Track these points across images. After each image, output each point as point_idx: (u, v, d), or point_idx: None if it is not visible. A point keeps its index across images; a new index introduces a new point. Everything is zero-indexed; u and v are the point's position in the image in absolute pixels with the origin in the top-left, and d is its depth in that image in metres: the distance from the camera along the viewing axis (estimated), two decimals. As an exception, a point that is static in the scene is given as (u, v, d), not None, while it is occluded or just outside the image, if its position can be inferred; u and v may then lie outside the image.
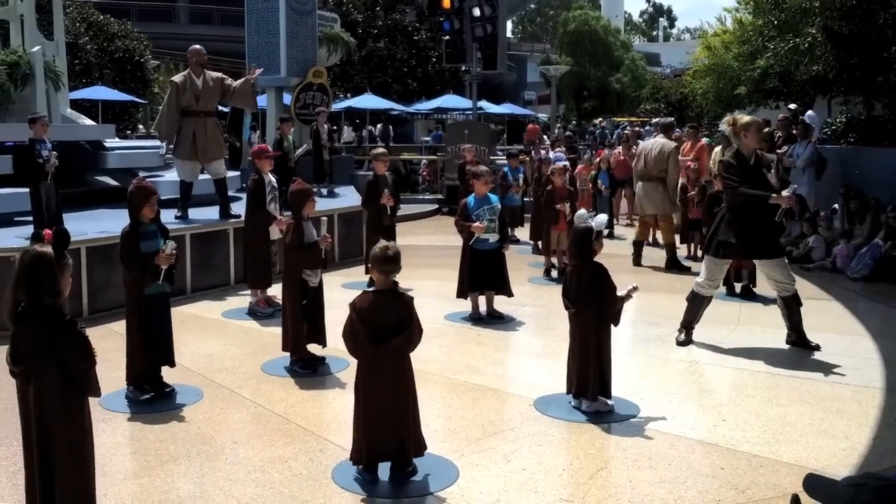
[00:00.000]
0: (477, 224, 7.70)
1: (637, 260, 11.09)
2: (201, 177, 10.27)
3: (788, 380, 6.15)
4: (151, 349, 5.66)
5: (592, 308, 5.38)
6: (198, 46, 10.00)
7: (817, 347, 6.87)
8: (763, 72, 16.84)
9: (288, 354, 6.42)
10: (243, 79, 10.45)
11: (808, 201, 12.14)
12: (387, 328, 4.33)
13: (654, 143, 11.26)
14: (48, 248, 3.51)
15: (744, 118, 7.06)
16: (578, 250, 5.53)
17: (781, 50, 15.17)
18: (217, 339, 7.43)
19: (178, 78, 9.85)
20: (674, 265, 10.83)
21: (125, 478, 4.48)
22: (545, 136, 21.08)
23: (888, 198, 11.13)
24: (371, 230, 9.19)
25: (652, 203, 11.10)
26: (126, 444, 5.03)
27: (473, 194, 7.95)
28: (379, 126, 28.79)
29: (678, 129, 18.02)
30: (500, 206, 8.01)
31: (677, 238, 11.61)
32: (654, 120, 22.07)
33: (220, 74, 10.16)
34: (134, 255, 5.54)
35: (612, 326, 5.47)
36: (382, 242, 4.54)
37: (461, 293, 7.98)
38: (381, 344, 4.30)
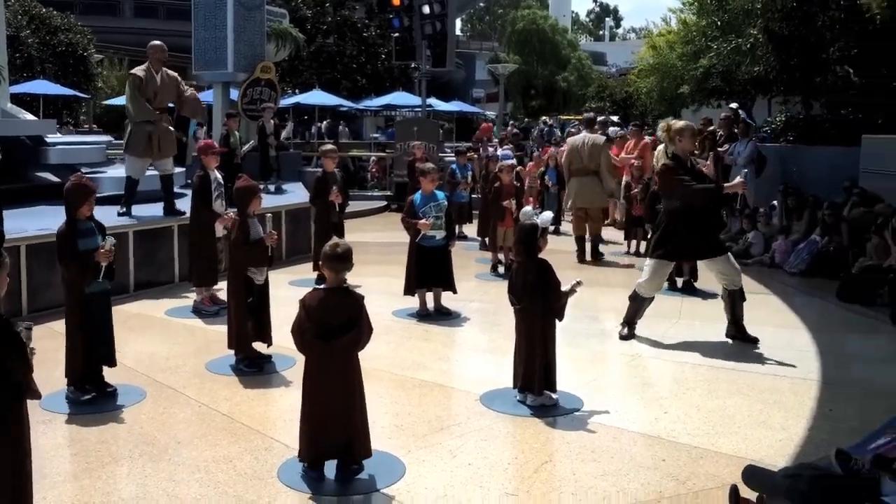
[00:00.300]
0: (423, 221, 7.71)
1: (581, 256, 11.24)
2: (147, 173, 10.12)
3: (728, 372, 6.30)
4: (92, 348, 5.56)
5: (537, 303, 5.44)
6: (160, 43, 9.80)
7: (756, 340, 7.04)
8: (706, 71, 17.12)
9: (233, 352, 6.37)
10: (192, 91, 10.35)
11: (748, 198, 12.42)
12: (336, 326, 4.31)
13: (585, 139, 11.50)
14: (-17, 247, 3.43)
15: (677, 123, 7.23)
16: (524, 247, 5.59)
17: (724, 50, 15.46)
18: (161, 337, 7.34)
19: (139, 71, 9.61)
20: (596, 255, 11.29)
21: (65, 480, 4.40)
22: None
23: (825, 195, 11.44)
24: (319, 227, 9.16)
25: (590, 197, 11.38)
26: (66, 445, 4.94)
27: (420, 191, 7.97)
28: (325, 122, 28.54)
29: (623, 128, 18.33)
30: (446, 202, 8.03)
31: (621, 234, 11.92)
32: (599, 118, 22.31)
33: (175, 74, 10.00)
34: (73, 253, 5.44)
35: (557, 321, 5.54)
36: (334, 240, 4.53)
37: (408, 290, 8.00)
38: (330, 341, 4.29)
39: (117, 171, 10.95)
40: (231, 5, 14.86)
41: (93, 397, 5.53)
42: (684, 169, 7.05)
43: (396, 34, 18.49)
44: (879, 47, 12.27)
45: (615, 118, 25.54)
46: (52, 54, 27.06)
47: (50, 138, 12.34)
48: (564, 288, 5.51)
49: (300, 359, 4.52)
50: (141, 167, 9.83)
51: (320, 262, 4.61)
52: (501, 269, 10.18)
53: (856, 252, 9.66)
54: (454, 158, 14.05)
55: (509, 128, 22.25)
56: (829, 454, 4.12)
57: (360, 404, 4.42)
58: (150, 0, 45.73)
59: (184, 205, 9.41)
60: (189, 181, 10.50)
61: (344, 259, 4.39)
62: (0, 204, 8.44)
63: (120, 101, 29.30)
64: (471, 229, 12.86)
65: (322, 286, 4.53)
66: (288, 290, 8.48)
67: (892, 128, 12.20)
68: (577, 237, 11.47)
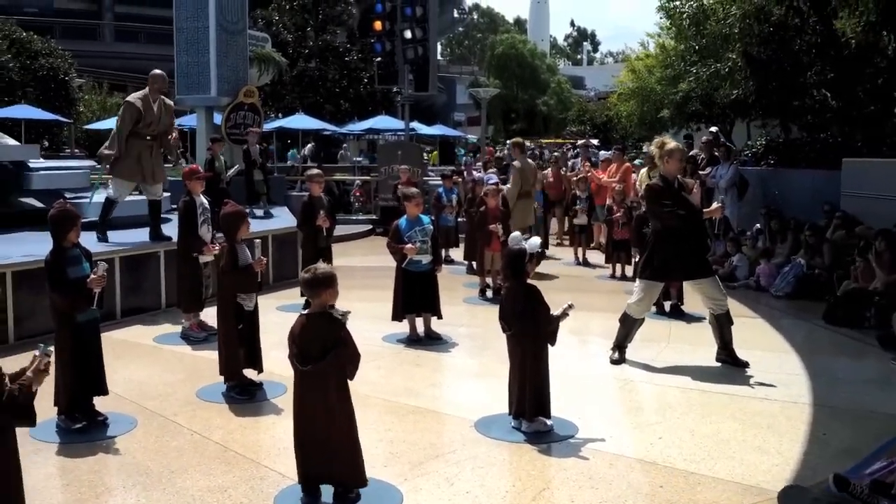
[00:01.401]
0: (409, 246, 7.70)
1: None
2: (128, 198, 10.06)
3: (720, 396, 6.31)
4: (83, 377, 5.49)
5: (528, 329, 5.44)
6: (161, 72, 9.73)
7: (746, 364, 7.05)
8: (685, 95, 17.35)
9: (224, 379, 6.30)
10: (176, 134, 10.22)
11: (732, 221, 12.52)
12: (316, 351, 4.28)
13: (528, 162, 12.44)
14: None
15: (669, 144, 7.24)
16: (512, 272, 5.60)
17: (703, 74, 15.67)
18: (150, 364, 7.25)
19: (136, 101, 9.45)
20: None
21: (57, 511, 4.33)
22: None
23: (807, 217, 11.55)
24: (307, 252, 9.12)
25: (530, 215, 12.33)
26: (57, 475, 4.86)
27: (405, 216, 7.96)
28: (309, 146, 28.48)
29: (605, 151, 18.50)
30: (431, 226, 8.02)
31: (602, 258, 12.54)
32: (579, 142, 22.48)
33: (171, 104, 9.92)
34: (63, 280, 5.39)
35: (550, 346, 5.54)
36: (310, 266, 4.53)
37: (396, 316, 7.95)
38: (308, 367, 4.26)
39: (100, 197, 10.86)
40: (213, 30, 14.87)
41: (83, 426, 5.46)
42: (670, 190, 7.10)
43: (379, 59, 18.56)
44: (855, 71, 12.48)
45: (595, 142, 25.73)
46: (33, 79, 27.00)
47: (33, 163, 12.25)
48: (555, 312, 5.52)
49: (291, 386, 4.48)
50: (127, 189, 9.75)
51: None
52: (490, 293, 10.18)
53: (840, 274, 9.73)
54: (440, 182, 14.08)
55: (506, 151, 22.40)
56: (827, 478, 4.14)
57: (345, 430, 4.33)
58: (130, 25, 45.69)
59: (170, 230, 9.36)
60: (175, 206, 10.45)
61: (317, 284, 4.35)
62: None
63: (102, 125, 29.30)
64: (458, 253, 12.87)
65: (305, 311, 4.51)
66: (277, 316, 8.45)
67: (871, 150, 12.39)
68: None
